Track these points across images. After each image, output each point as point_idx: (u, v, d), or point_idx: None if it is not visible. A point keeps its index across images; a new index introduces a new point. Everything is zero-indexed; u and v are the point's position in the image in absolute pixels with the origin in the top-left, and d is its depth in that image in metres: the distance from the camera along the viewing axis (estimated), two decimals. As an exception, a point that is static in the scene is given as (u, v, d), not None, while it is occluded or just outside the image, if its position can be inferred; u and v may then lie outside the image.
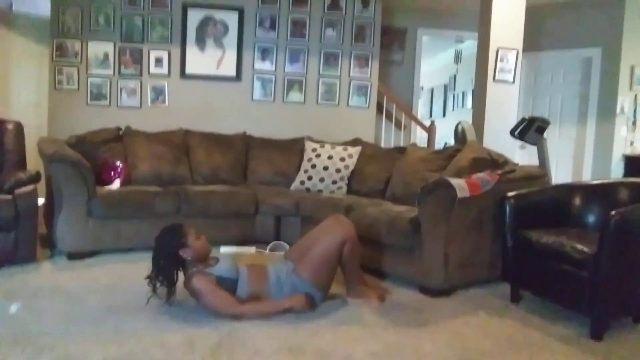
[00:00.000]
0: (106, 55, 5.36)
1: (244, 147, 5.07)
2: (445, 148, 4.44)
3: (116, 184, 4.14)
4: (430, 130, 6.38)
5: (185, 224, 2.81)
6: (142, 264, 2.87)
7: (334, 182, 4.60)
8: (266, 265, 2.85)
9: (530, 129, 4.89)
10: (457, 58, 9.31)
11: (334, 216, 3.03)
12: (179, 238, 2.67)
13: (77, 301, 2.80)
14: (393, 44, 6.83)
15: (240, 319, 2.56)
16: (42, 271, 3.37)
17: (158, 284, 2.66)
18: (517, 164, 3.89)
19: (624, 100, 6.14)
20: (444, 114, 10.09)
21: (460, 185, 3.04)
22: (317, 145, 4.87)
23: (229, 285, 2.65)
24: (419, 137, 7.22)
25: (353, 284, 2.97)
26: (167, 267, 2.66)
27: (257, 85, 5.65)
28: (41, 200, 3.73)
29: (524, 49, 5.61)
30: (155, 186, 4.27)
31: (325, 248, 2.78)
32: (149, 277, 2.67)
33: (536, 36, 6.45)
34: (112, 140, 4.58)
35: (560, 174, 6.33)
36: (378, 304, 2.89)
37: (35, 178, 3.50)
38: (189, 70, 5.49)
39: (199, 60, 5.50)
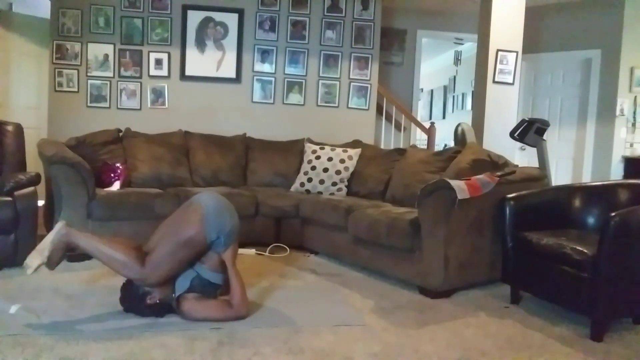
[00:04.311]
0: (106, 57, 5.37)
1: (243, 148, 5.07)
2: (445, 150, 4.43)
3: (116, 186, 4.14)
4: (430, 132, 6.39)
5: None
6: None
7: (334, 184, 4.60)
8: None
9: (530, 131, 4.89)
10: (457, 60, 9.32)
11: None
12: (137, 294, 2.57)
13: (77, 302, 2.80)
14: (393, 46, 6.85)
15: (246, 312, 2.59)
16: (41, 273, 3.34)
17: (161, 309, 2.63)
18: (516, 166, 3.89)
19: (624, 102, 6.15)
20: (444, 116, 10.10)
21: (460, 187, 3.04)
22: (317, 147, 4.87)
23: (202, 282, 2.60)
24: (419, 139, 7.24)
25: None
26: (150, 314, 2.59)
27: (257, 86, 5.66)
28: (41, 202, 3.72)
29: (524, 51, 5.62)
30: (155, 188, 4.27)
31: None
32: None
33: (536, 38, 6.46)
34: (112, 142, 4.58)
35: (560, 176, 6.33)
36: None
37: (35, 180, 3.49)
38: (188, 71, 5.50)
39: (198, 62, 5.51)
